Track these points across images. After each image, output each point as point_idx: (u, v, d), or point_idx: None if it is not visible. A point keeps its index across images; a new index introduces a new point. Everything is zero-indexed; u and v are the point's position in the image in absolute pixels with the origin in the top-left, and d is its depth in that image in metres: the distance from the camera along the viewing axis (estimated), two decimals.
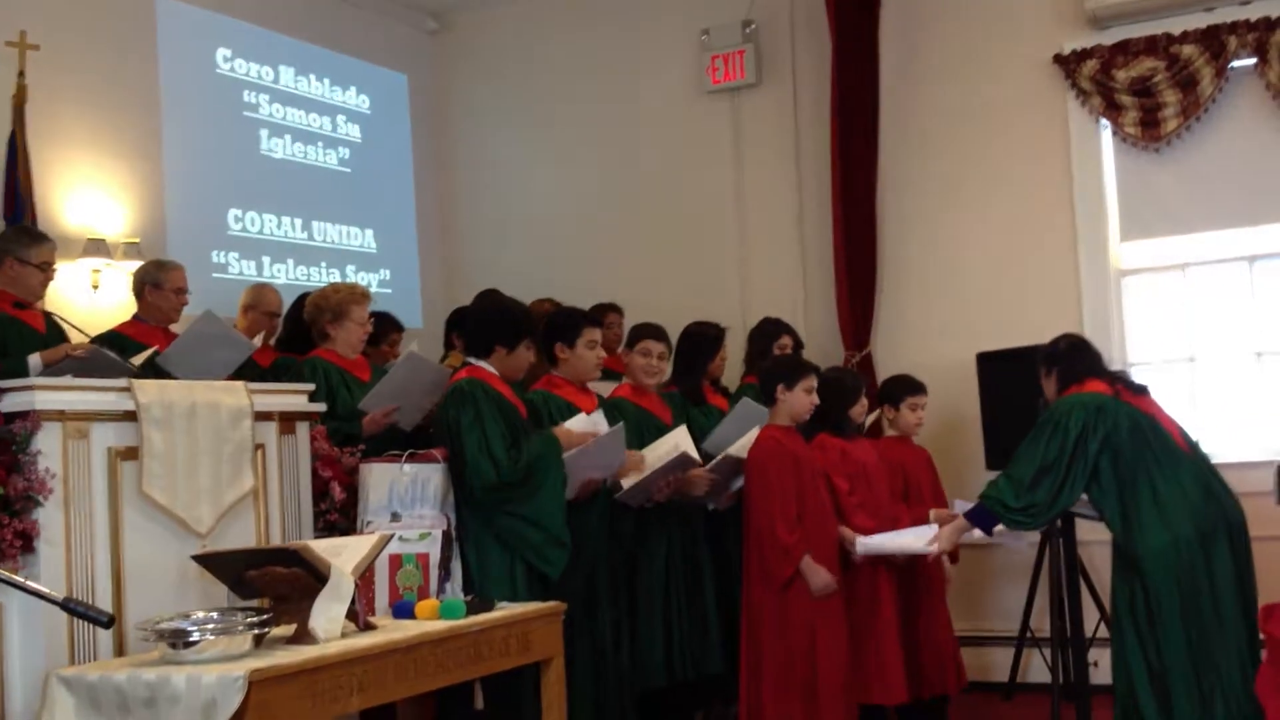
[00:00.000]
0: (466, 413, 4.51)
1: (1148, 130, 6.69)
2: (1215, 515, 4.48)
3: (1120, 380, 4.73)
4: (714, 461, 5.21)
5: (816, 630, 4.93)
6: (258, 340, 5.68)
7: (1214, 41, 6.49)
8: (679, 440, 5.00)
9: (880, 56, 7.28)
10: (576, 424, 4.79)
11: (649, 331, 5.43)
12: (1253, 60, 6.46)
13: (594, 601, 4.78)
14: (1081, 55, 6.81)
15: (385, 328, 6.20)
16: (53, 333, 5.17)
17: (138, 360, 4.64)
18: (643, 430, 5.16)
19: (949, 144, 7.24)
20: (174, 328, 5.57)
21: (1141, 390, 4.73)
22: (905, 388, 5.89)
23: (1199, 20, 6.56)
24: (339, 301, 5.23)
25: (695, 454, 5.04)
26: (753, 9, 7.76)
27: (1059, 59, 6.89)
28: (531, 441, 4.60)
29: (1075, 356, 4.82)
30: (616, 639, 4.89)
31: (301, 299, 5.69)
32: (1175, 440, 4.60)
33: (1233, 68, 6.53)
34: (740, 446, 5.16)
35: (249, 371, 5.34)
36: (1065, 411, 4.58)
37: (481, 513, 4.52)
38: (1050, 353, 4.89)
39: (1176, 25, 6.59)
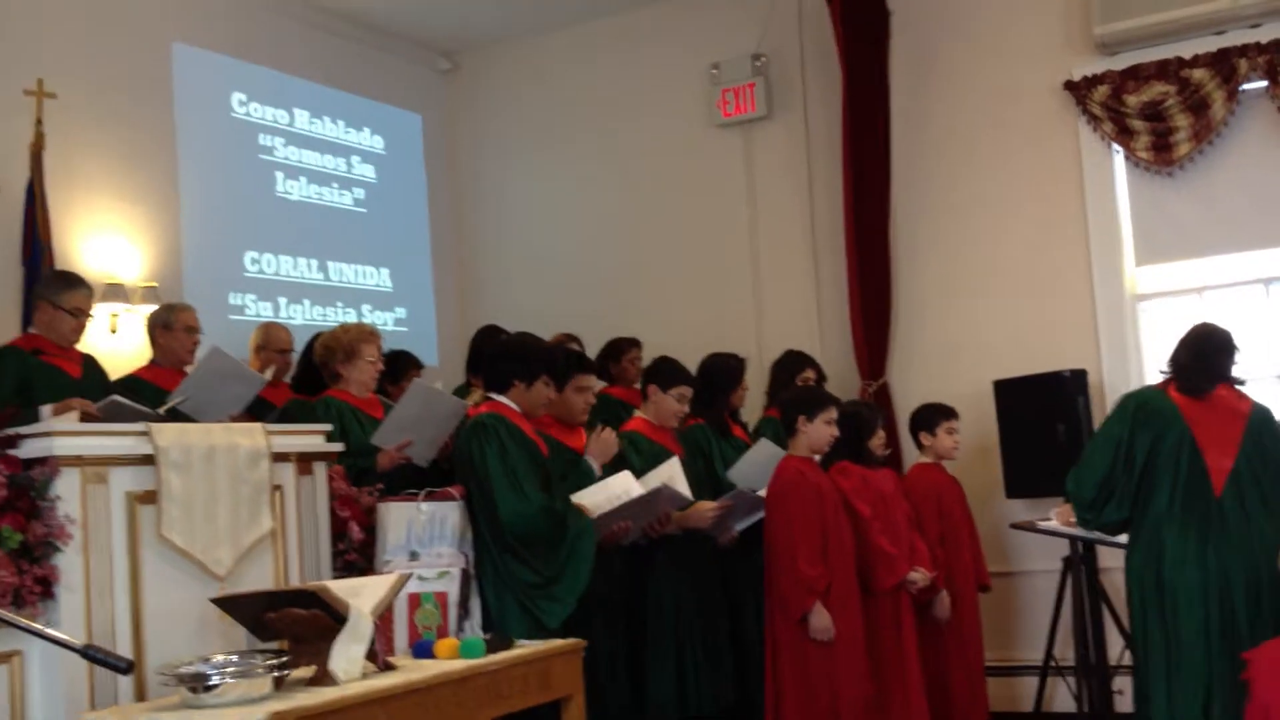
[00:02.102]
0: (491, 446, 4.46)
1: (1160, 154, 6.68)
2: (1200, 574, 4.50)
3: (1193, 387, 4.72)
4: (728, 493, 5.21)
5: (838, 660, 4.91)
6: (269, 374, 5.69)
7: (1225, 65, 6.50)
8: (671, 473, 4.98)
9: (890, 86, 7.30)
10: (611, 486, 4.78)
11: (686, 377, 5.44)
12: (1264, 83, 6.45)
13: (589, 634, 4.74)
14: (1092, 81, 6.81)
15: (404, 365, 6.21)
16: (89, 378, 5.20)
17: (165, 409, 4.63)
18: (657, 465, 5.14)
19: (961, 173, 7.25)
20: (190, 369, 5.58)
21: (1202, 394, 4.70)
22: (939, 413, 6.01)
23: (1209, 44, 6.56)
24: (349, 341, 5.24)
25: (685, 489, 5.01)
26: (762, 42, 7.80)
27: (1069, 85, 6.90)
28: (571, 509, 4.57)
29: (1181, 352, 4.83)
30: (612, 671, 4.86)
31: (315, 339, 5.70)
32: (1209, 477, 4.57)
33: (1244, 90, 6.53)
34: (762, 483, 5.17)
35: (263, 412, 5.36)
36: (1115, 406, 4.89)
37: (497, 548, 4.49)
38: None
39: (1187, 49, 6.59)
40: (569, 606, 4.42)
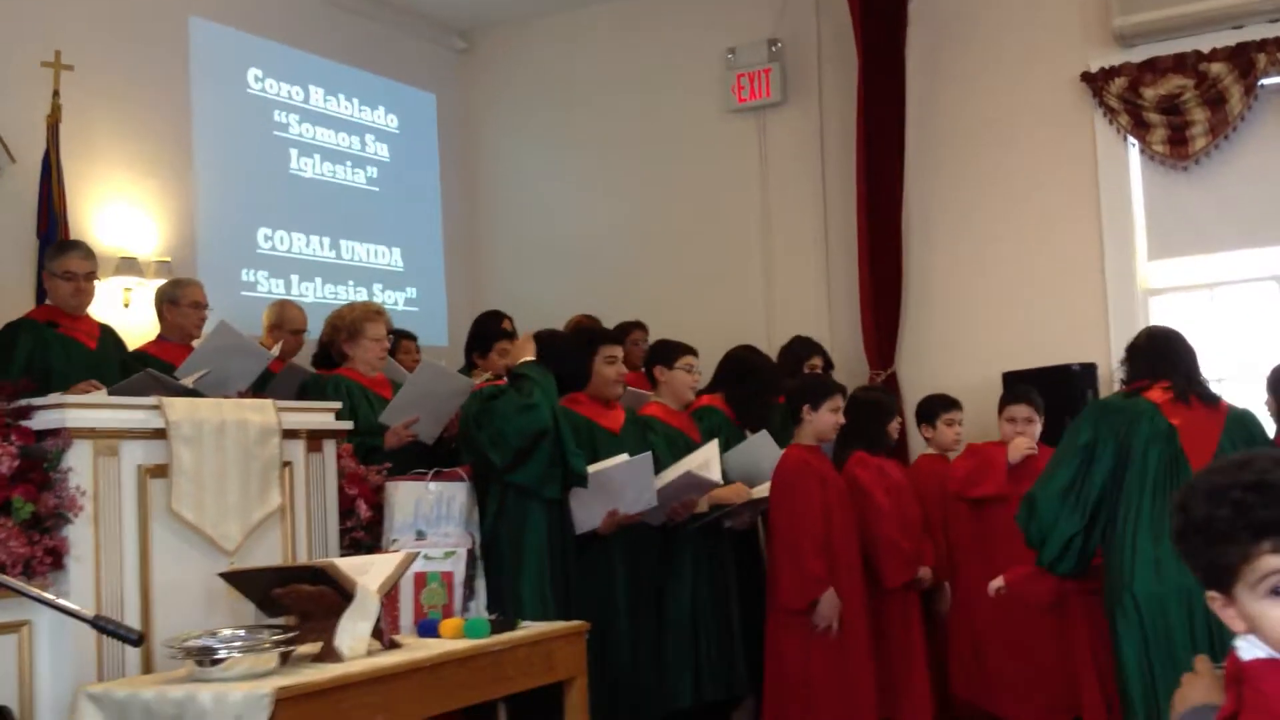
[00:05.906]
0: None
1: (1176, 148, 6.66)
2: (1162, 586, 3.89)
3: (1185, 389, 4.19)
4: (738, 505, 5.21)
5: (846, 652, 4.89)
6: (276, 349, 5.70)
7: (1242, 59, 6.47)
8: (708, 457, 4.96)
9: (907, 75, 7.27)
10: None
11: (687, 347, 5.42)
12: None
13: (612, 621, 4.74)
14: (1109, 73, 6.79)
15: (397, 339, 6.20)
16: (105, 349, 5.22)
17: (190, 383, 4.64)
18: (675, 449, 5.13)
19: (975, 163, 7.23)
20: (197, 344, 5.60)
21: (1209, 401, 4.21)
22: (940, 404, 5.98)
23: (1227, 38, 6.53)
24: (353, 320, 5.24)
25: (718, 476, 4.97)
26: (779, 27, 7.78)
27: (1086, 77, 6.88)
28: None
29: (1142, 353, 4.34)
30: (635, 659, 4.86)
31: None
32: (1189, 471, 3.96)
33: (1262, 85, 6.50)
34: (763, 488, 5.16)
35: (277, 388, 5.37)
36: (1080, 417, 4.23)
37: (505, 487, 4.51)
38: (1129, 346, 4.41)
39: (1205, 43, 6.57)
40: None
